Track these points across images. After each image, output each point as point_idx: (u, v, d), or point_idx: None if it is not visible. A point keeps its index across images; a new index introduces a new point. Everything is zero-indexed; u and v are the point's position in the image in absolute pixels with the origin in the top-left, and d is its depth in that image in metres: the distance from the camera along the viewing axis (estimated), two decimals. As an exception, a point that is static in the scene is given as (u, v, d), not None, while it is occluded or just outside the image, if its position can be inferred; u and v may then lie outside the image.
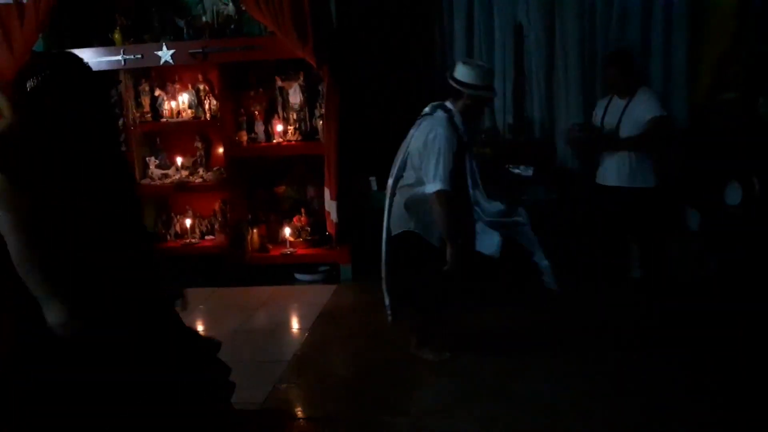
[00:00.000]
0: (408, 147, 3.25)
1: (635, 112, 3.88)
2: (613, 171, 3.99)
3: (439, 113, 3.15)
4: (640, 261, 4.14)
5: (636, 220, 3.99)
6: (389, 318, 3.41)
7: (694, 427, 2.71)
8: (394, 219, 3.28)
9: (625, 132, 3.94)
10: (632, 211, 3.94)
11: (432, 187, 3.02)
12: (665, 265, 4.09)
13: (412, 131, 3.28)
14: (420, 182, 3.14)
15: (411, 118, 5.20)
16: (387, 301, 3.38)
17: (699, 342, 3.36)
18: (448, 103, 3.19)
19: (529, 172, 4.75)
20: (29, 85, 1.64)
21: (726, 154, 3.82)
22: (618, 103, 3.99)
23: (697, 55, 4.72)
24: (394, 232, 3.28)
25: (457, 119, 3.15)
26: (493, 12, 5.23)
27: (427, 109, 3.26)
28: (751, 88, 4.30)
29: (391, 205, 3.29)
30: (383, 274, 3.34)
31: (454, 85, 3.15)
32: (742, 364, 3.11)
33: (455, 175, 3.06)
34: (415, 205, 3.18)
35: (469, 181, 3.29)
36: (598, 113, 4.18)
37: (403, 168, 3.27)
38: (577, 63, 5.03)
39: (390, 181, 3.34)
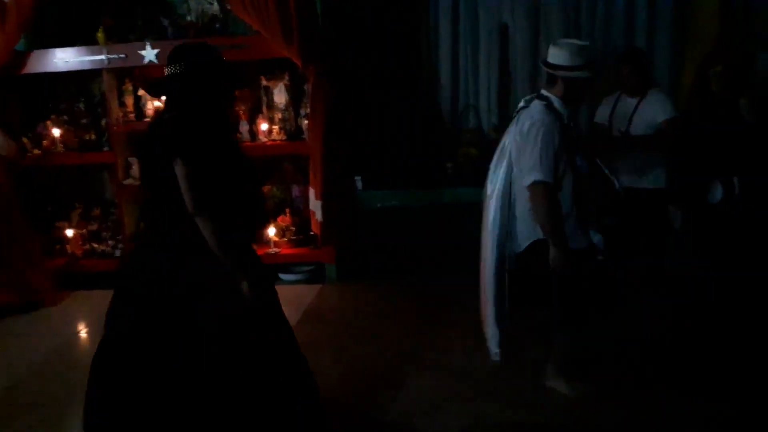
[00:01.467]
0: (503, 146, 2.94)
1: (648, 113, 3.75)
2: (623, 171, 3.91)
3: (536, 103, 2.82)
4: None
5: (645, 219, 3.91)
6: (496, 358, 2.99)
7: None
8: (518, 231, 2.88)
9: (636, 132, 3.79)
10: (642, 211, 3.85)
11: (528, 178, 2.72)
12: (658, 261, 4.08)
13: (508, 129, 2.98)
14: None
15: (397, 117, 5.29)
16: (496, 337, 2.95)
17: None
18: (543, 91, 2.87)
19: None
20: (169, 71, 2.22)
21: (708, 154, 3.84)
22: (628, 102, 3.85)
23: (681, 56, 4.77)
24: (522, 247, 2.88)
25: (558, 105, 2.80)
26: (479, 12, 5.27)
27: (522, 103, 2.93)
28: (733, 89, 4.35)
29: (495, 217, 2.90)
30: (490, 307, 2.92)
31: (547, 69, 2.86)
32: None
33: (558, 166, 2.73)
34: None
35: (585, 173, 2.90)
36: (604, 112, 4.01)
37: (498, 169, 2.93)
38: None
39: (488, 189, 2.98)
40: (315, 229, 4.76)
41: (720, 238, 3.73)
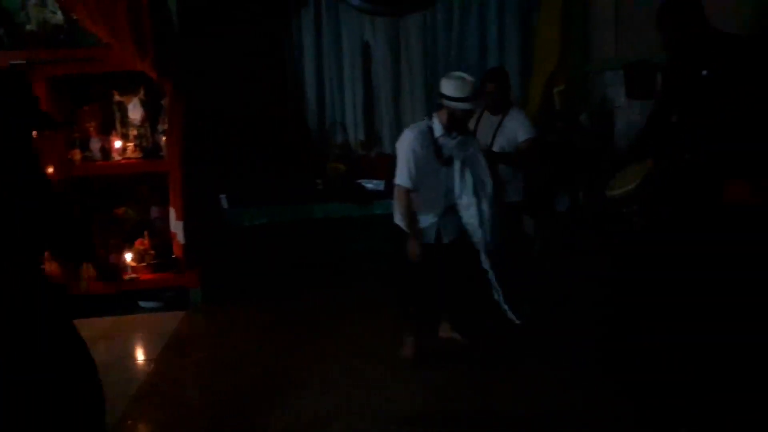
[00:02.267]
0: None
1: (510, 131, 3.92)
2: None
3: (421, 123, 3.44)
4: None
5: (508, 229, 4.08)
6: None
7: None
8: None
9: (498, 149, 3.97)
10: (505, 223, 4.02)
11: (394, 181, 3.37)
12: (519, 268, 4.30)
13: None
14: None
15: (263, 133, 5.18)
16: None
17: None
18: (434, 115, 3.41)
19: (381, 186, 4.83)
20: None
21: (555, 166, 4.15)
22: (490, 119, 4.01)
23: (528, 75, 5.12)
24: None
25: (437, 129, 3.35)
26: (341, 30, 5.32)
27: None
28: (575, 106, 4.74)
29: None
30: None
31: (438, 97, 3.36)
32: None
33: (417, 176, 3.33)
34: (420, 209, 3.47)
35: (458, 188, 3.40)
36: None
37: None
38: (422, 81, 5.29)
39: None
40: (177, 252, 4.53)
41: (567, 241, 4.03)
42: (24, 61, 4.35)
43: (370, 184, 4.91)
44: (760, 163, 2.85)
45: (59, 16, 4.66)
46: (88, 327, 4.26)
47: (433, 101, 3.49)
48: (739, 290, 2.66)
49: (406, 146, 3.33)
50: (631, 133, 4.08)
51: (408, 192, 3.34)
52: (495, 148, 3.99)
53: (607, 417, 2.90)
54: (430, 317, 3.68)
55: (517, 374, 3.33)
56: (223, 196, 4.75)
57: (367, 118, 5.42)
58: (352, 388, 3.26)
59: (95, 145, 4.68)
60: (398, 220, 3.48)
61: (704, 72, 2.88)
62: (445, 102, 3.26)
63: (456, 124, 3.31)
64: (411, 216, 3.37)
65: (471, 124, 4.11)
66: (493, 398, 3.12)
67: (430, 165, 3.35)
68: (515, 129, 3.90)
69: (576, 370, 3.29)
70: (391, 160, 5.17)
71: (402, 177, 3.34)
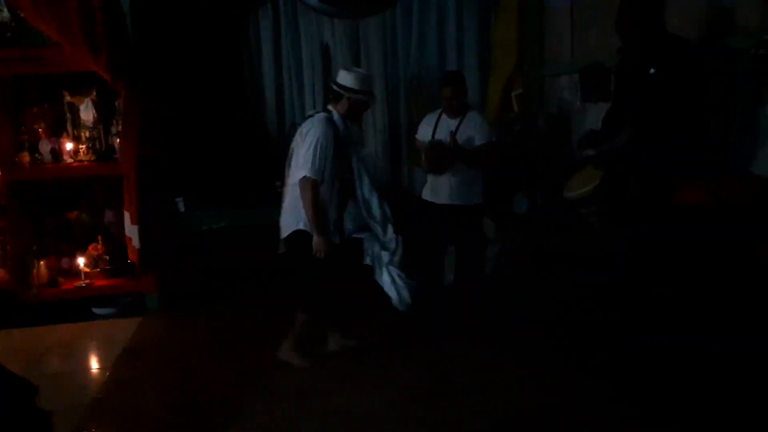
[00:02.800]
0: (291, 148, 3.45)
1: (467, 134, 3.95)
2: (446, 189, 4.05)
3: (320, 115, 3.40)
4: (455, 268, 4.32)
5: (465, 233, 4.12)
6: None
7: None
8: (284, 221, 3.43)
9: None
10: (462, 226, 4.05)
11: (300, 173, 3.27)
12: (481, 270, 4.35)
13: (295, 136, 3.46)
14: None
15: (219, 135, 5.11)
16: None
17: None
18: (329, 106, 3.44)
19: None
20: None
21: (514, 168, 4.21)
22: (448, 122, 4.03)
23: (487, 79, 5.18)
24: (284, 234, 3.43)
25: (337, 119, 3.38)
26: (300, 32, 5.29)
27: (309, 113, 3.56)
28: (532, 109, 4.82)
29: (281, 209, 3.46)
30: None
31: (336, 88, 3.39)
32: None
33: (326, 168, 3.28)
34: (299, 203, 3.33)
35: (355, 178, 3.48)
36: (425, 130, 4.15)
37: (288, 169, 3.44)
38: (382, 82, 5.29)
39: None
40: (132, 257, 4.41)
41: (527, 243, 4.09)
42: (-33, 60, 4.19)
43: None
44: (708, 165, 2.96)
45: (6, 14, 4.51)
46: (39, 336, 4.17)
47: (330, 93, 3.52)
48: (696, 287, 2.74)
49: (315, 137, 3.26)
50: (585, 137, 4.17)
51: (317, 185, 3.27)
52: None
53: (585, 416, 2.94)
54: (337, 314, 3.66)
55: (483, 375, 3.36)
56: (180, 199, 4.66)
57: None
58: (309, 395, 3.22)
59: (45, 147, 4.53)
60: (295, 223, 3.37)
61: (652, 70, 2.97)
62: (349, 94, 3.36)
63: (355, 115, 3.44)
64: (320, 210, 3.30)
65: (429, 128, 4.16)
66: (446, 400, 3.14)
67: (332, 157, 3.35)
68: (472, 132, 3.94)
69: (536, 369, 3.34)
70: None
71: (311, 168, 3.25)
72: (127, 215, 4.35)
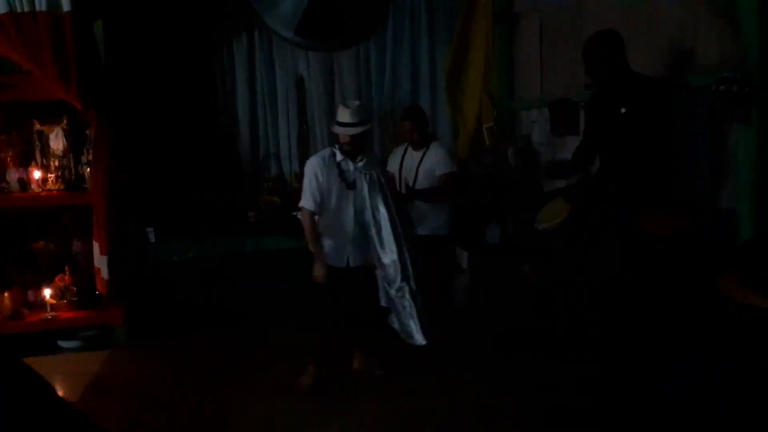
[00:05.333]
0: None
1: (429, 165, 4.07)
2: (419, 221, 4.09)
3: (326, 150, 3.62)
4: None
5: (430, 264, 4.15)
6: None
7: None
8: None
9: (421, 183, 4.11)
10: (428, 257, 4.08)
11: (300, 204, 3.51)
12: (449, 299, 4.37)
13: None
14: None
15: (192, 166, 5.08)
16: None
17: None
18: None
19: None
20: None
21: (485, 199, 4.27)
22: (414, 154, 4.16)
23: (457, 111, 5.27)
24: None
25: (339, 154, 3.49)
26: (275, 63, 5.33)
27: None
28: (502, 142, 4.92)
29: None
30: None
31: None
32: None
33: (325, 200, 3.46)
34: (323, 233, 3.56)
35: (366, 206, 3.51)
36: (393, 163, 4.28)
37: None
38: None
39: None
40: (101, 288, 4.32)
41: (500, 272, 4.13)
42: (-69, 86, 4.12)
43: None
44: (672, 198, 3.06)
45: (-25, 41, 4.45)
46: (1, 370, 4.02)
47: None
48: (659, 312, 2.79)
49: (309, 171, 3.48)
50: (555, 167, 4.27)
51: (312, 215, 3.48)
52: (418, 182, 4.13)
53: None
54: (333, 345, 3.65)
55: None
56: (150, 229, 4.60)
57: (302, 150, 5.42)
58: (280, 427, 3.17)
59: (12, 175, 4.44)
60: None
61: (623, 109, 3.07)
62: (334, 127, 3.52)
63: (344, 147, 3.48)
64: (315, 238, 3.49)
65: (397, 160, 4.24)
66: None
67: (335, 189, 3.47)
68: (434, 163, 4.07)
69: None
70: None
71: (306, 200, 3.47)
72: (96, 245, 4.28)
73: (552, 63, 4.73)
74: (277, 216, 4.99)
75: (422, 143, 4.14)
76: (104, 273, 4.24)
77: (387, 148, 5.24)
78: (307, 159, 5.30)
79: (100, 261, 4.26)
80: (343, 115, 3.43)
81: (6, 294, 4.39)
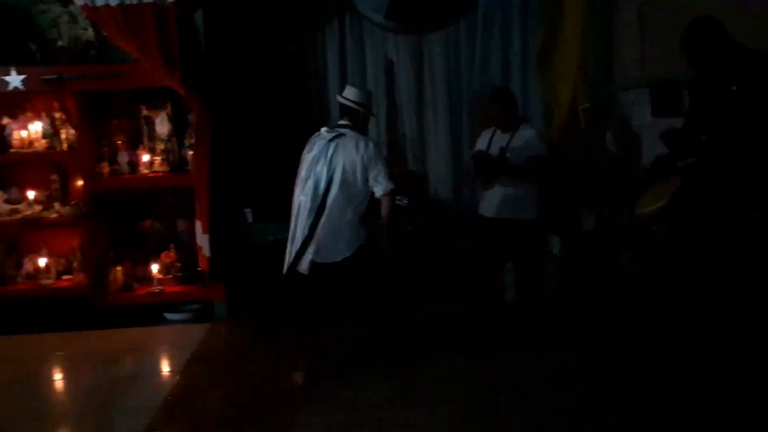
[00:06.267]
0: (330, 167, 3.42)
1: (517, 147, 4.01)
2: (496, 203, 4.09)
3: (349, 131, 3.49)
4: (515, 285, 4.31)
5: (517, 249, 4.13)
6: None
7: None
8: (346, 242, 3.43)
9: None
10: (514, 241, 4.06)
11: (384, 187, 3.40)
12: (537, 287, 4.31)
13: (313, 152, 3.49)
14: (359, 196, 3.44)
15: (286, 149, 5.23)
16: None
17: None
18: (344, 122, 3.55)
19: (405, 202, 4.86)
20: None
21: (580, 185, 4.14)
22: (501, 137, 4.11)
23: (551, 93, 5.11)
24: (348, 253, 3.44)
25: None
26: (365, 48, 5.37)
27: (329, 133, 3.51)
28: (600, 124, 4.73)
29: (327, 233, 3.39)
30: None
31: (351, 104, 3.53)
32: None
33: None
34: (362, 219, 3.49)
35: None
36: (481, 145, 4.25)
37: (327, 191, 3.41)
38: (445, 98, 5.31)
39: (306, 211, 3.42)
40: (202, 265, 4.58)
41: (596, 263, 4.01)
42: (56, 76, 4.46)
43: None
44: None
45: (90, 33, 4.78)
46: (115, 338, 4.37)
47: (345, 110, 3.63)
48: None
49: (381, 149, 3.64)
50: (656, 151, 4.08)
51: None
52: None
53: None
54: None
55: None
56: (248, 210, 4.79)
57: (391, 135, 5.45)
58: (365, 406, 3.24)
59: (123, 158, 4.77)
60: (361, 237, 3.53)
61: (733, 87, 2.88)
62: (362, 110, 3.59)
63: (364, 130, 3.62)
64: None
65: (485, 142, 4.19)
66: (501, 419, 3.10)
67: None
68: (523, 145, 3.97)
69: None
70: (415, 177, 5.29)
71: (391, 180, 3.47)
72: (198, 224, 4.53)
73: (653, 38, 4.48)
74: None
75: (510, 126, 4.07)
76: (206, 251, 4.49)
77: (475, 131, 5.18)
78: (397, 144, 5.47)
79: (201, 239, 4.51)
80: (367, 97, 3.61)
81: (118, 268, 4.74)
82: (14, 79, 4.43)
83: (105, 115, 4.86)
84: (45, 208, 4.75)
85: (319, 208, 3.39)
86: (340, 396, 3.35)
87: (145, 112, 4.86)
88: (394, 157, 5.40)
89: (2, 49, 4.62)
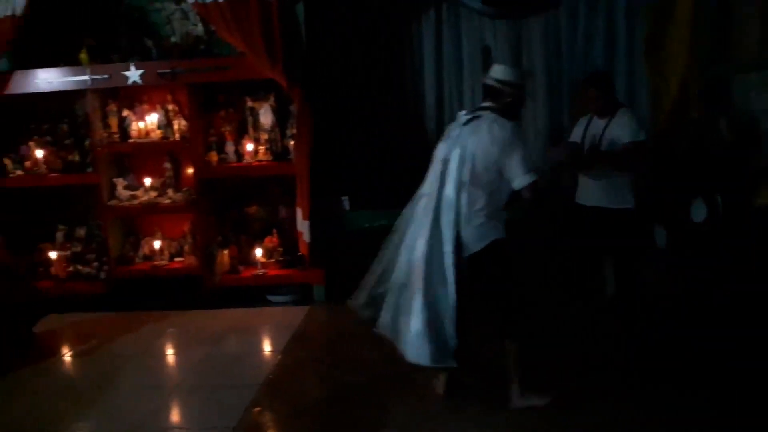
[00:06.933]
0: (461, 154, 3.01)
1: (614, 133, 3.80)
2: (593, 191, 3.95)
3: (488, 114, 3.02)
4: (615, 278, 4.14)
5: (614, 239, 3.97)
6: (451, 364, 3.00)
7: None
8: (474, 234, 3.01)
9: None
10: (611, 231, 3.91)
11: (525, 179, 2.94)
12: (637, 281, 4.12)
13: (449, 140, 3.12)
14: (491, 184, 2.99)
15: (382, 138, 5.30)
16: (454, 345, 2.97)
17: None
18: (486, 104, 3.08)
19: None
20: None
21: (690, 174, 3.90)
22: (598, 122, 3.91)
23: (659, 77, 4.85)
24: (475, 249, 3.02)
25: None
26: (461, 34, 5.32)
27: (467, 115, 3.11)
28: (712, 109, 4.44)
29: (458, 222, 3.01)
30: (454, 312, 2.96)
31: (495, 84, 3.07)
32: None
33: None
34: (498, 211, 3.05)
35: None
36: (577, 131, 4.08)
37: (461, 180, 3.02)
38: (545, 84, 5.16)
39: (427, 198, 3.13)
40: (303, 250, 4.75)
41: (705, 257, 3.78)
42: (169, 70, 4.75)
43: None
44: None
45: (200, 28, 5.05)
46: (221, 317, 4.63)
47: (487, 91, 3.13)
48: None
49: (521, 134, 3.09)
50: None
51: None
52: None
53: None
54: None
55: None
56: (345, 198, 4.90)
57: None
58: (451, 398, 3.22)
59: (230, 148, 5.01)
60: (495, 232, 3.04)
61: None
62: (509, 89, 3.07)
63: (517, 111, 3.15)
64: None
65: (581, 130, 4.02)
66: None
67: None
68: (619, 132, 3.75)
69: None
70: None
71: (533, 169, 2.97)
72: (299, 211, 4.69)
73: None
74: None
75: (607, 111, 3.87)
76: (306, 236, 4.65)
77: (574, 118, 5.01)
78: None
79: (302, 225, 4.67)
80: (522, 75, 3.14)
81: (225, 252, 5.00)
82: (133, 74, 4.76)
83: (213, 106, 5.13)
84: (159, 194, 5.10)
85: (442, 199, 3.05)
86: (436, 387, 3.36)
87: (249, 103, 5.07)
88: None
89: (123, 45, 4.97)
